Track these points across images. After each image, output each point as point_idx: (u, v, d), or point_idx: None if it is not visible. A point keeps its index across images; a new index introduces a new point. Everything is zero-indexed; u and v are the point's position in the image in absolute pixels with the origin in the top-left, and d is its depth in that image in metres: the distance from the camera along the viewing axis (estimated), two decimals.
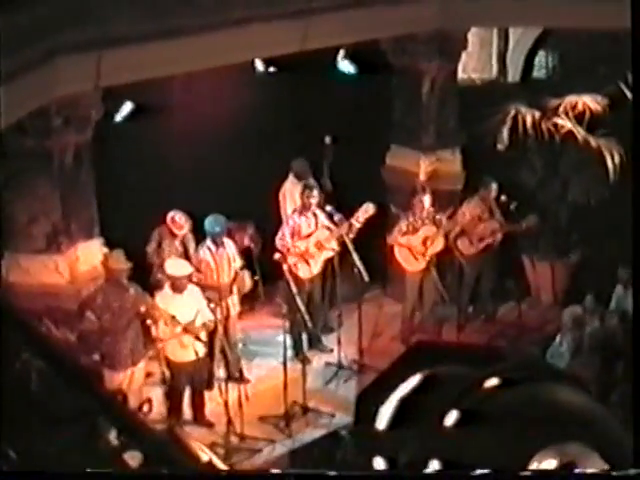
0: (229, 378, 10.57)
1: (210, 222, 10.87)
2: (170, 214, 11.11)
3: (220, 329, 10.30)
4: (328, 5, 10.97)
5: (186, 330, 9.79)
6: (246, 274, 11.14)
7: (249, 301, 11.85)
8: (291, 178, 12.44)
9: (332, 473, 2.50)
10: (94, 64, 9.49)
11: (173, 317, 9.72)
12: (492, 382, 2.16)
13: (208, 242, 10.88)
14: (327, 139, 12.83)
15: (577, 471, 2.16)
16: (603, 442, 2.24)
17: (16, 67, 8.54)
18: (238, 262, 11.04)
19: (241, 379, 10.91)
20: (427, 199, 11.77)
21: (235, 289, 11.05)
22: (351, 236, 11.21)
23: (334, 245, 11.45)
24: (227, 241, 10.98)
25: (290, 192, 12.36)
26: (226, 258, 10.91)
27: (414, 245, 11.77)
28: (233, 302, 11.06)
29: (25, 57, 8.70)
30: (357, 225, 11.25)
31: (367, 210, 11.28)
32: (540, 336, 11.15)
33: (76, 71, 9.39)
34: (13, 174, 9.93)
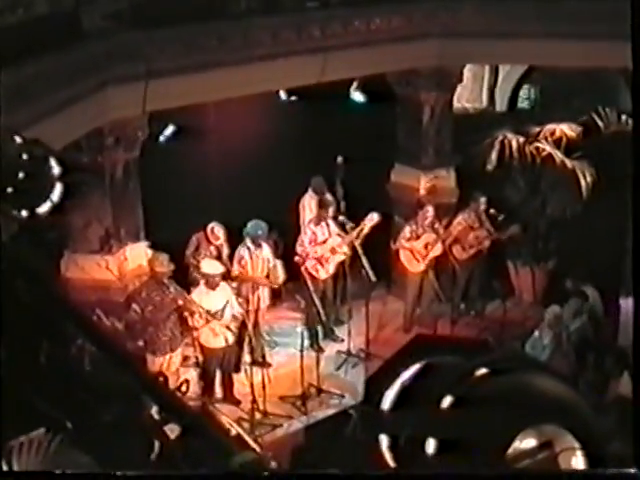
0: (254, 363, 10.58)
1: (253, 226, 10.85)
2: (210, 225, 11.11)
3: (249, 320, 10.28)
4: (343, 43, 11.01)
5: (216, 319, 9.79)
6: (279, 267, 11.08)
7: (273, 298, 11.86)
8: (310, 192, 12.45)
9: (332, 473, 2.49)
10: (141, 92, 9.54)
11: (208, 311, 9.74)
12: (481, 371, 2.16)
13: (248, 242, 10.86)
14: (340, 159, 12.86)
15: (578, 470, 2.15)
16: (576, 424, 2.23)
17: (74, 95, 8.59)
18: (272, 262, 11.00)
19: (264, 364, 10.90)
20: (430, 210, 11.81)
21: (267, 282, 10.98)
22: (359, 241, 11.21)
23: (346, 250, 11.44)
24: (264, 244, 10.98)
25: (309, 204, 12.39)
26: (261, 258, 10.90)
27: (417, 249, 11.81)
28: (264, 296, 11.06)
29: (82, 87, 8.75)
30: (364, 231, 11.27)
31: (372, 218, 11.29)
32: (521, 330, 11.12)
33: (125, 98, 9.45)
34: (71, 186, 9.95)
